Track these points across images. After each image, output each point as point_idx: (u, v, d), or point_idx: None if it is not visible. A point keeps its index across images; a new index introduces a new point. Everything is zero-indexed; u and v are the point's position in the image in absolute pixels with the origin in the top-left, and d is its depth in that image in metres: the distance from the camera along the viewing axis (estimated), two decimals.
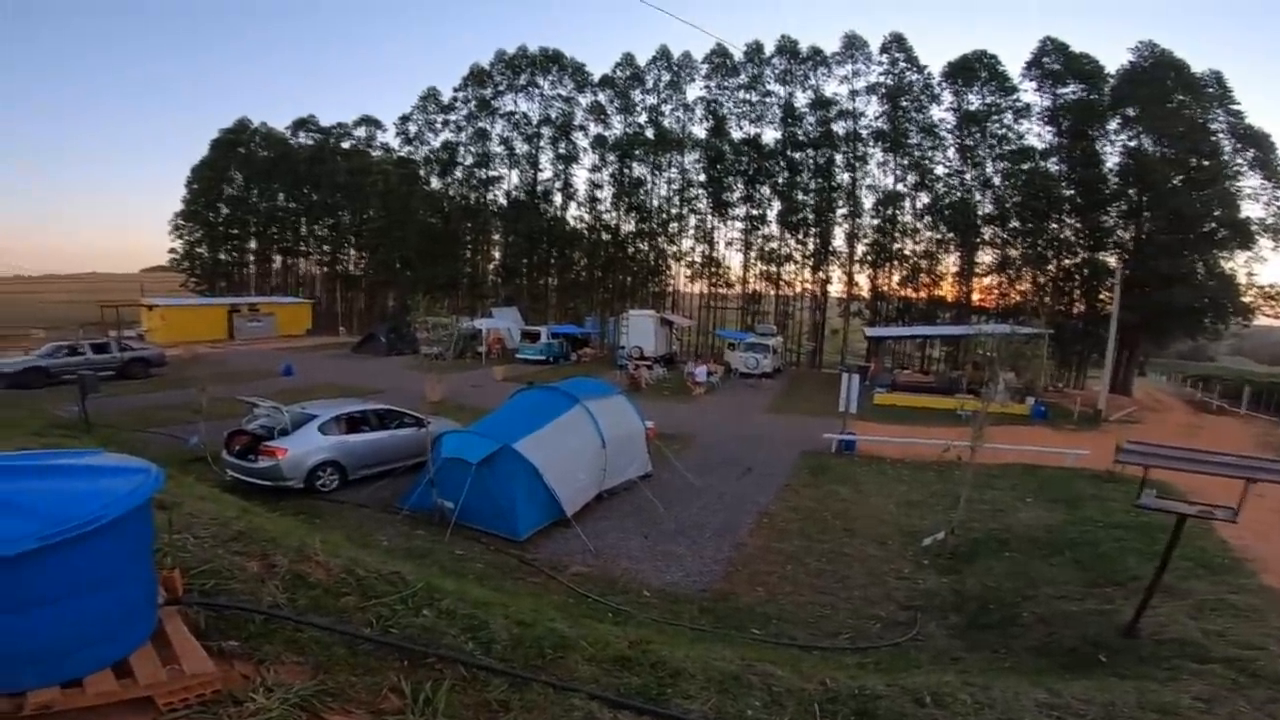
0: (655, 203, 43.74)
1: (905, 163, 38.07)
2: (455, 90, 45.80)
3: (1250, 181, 30.39)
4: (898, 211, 38.47)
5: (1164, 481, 8.76)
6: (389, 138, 49.42)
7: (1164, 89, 31.07)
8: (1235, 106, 31.49)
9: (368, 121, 50.48)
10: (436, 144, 46.59)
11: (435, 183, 46.98)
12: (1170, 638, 4.86)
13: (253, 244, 52.03)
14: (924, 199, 37.50)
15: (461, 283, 45.47)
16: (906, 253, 38.39)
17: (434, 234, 44.27)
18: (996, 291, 36.61)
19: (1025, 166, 34.50)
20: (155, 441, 11.88)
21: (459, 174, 46.11)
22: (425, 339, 32.25)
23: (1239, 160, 30.75)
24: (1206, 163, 30.19)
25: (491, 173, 45.91)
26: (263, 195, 50.06)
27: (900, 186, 38.42)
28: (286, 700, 2.05)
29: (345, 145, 50.23)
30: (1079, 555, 7.02)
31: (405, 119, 47.12)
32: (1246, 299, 30.39)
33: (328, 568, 3.66)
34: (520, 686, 2.40)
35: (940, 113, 37.30)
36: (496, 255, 48.26)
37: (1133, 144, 32.49)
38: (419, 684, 2.27)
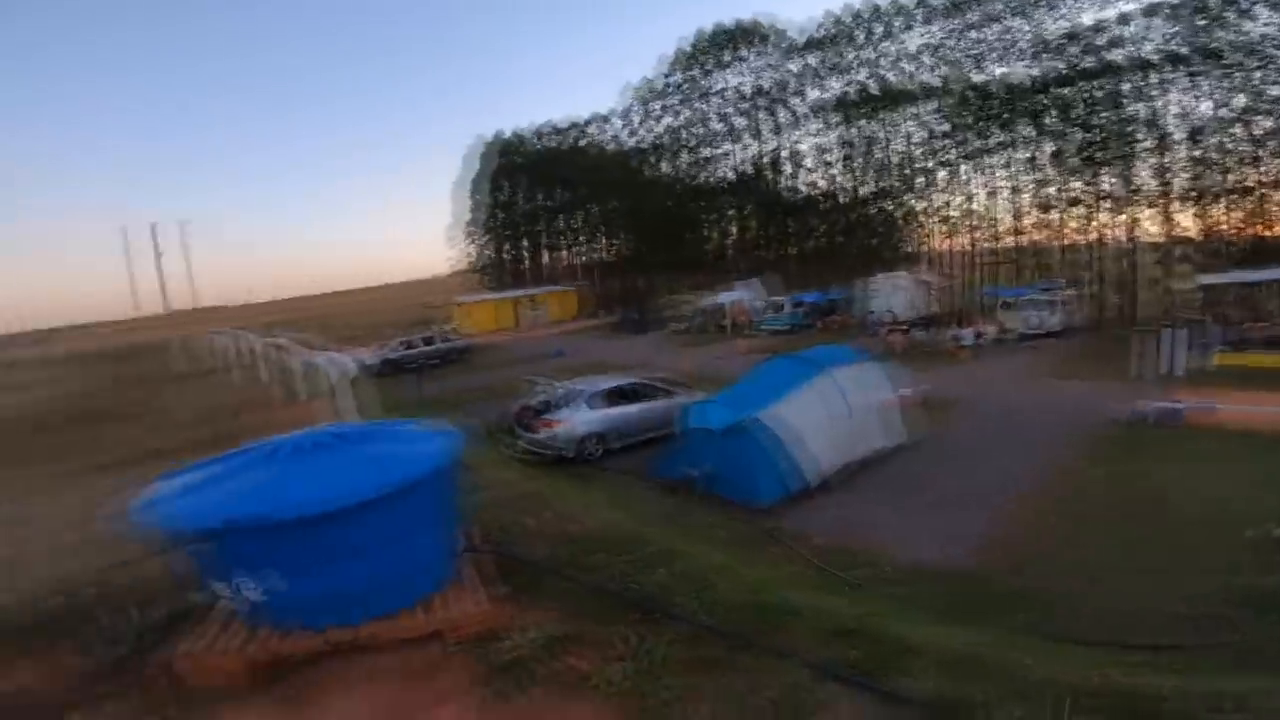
0: (894, 159, 40.14)
1: (1227, 86, 29.47)
2: (666, 76, 47.38)
3: None
4: (1226, 140, 29.88)
5: None
6: (617, 130, 52.73)
7: None
8: None
9: (597, 119, 54.77)
10: (659, 130, 48.70)
11: (665, 167, 49.10)
12: None
13: (524, 242, 59.74)
14: (1266, 124, 28.62)
15: (701, 260, 46.98)
16: (1249, 184, 29.73)
17: (669, 216, 46.31)
18: None
19: None
20: (474, 413, 14.20)
21: (685, 156, 47.62)
22: (671, 316, 34.37)
23: None
24: None
25: (715, 150, 46.55)
26: (525, 198, 57.17)
27: (1224, 112, 29.82)
28: (535, 641, 2.44)
29: (582, 143, 54.91)
30: None
31: (627, 111, 50.06)
32: None
33: (586, 527, 4.20)
34: (737, 648, 2.52)
35: (1263, 27, 28.14)
36: (733, 230, 48.90)
37: None
38: (644, 637, 2.51)
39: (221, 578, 2.29)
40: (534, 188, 56.22)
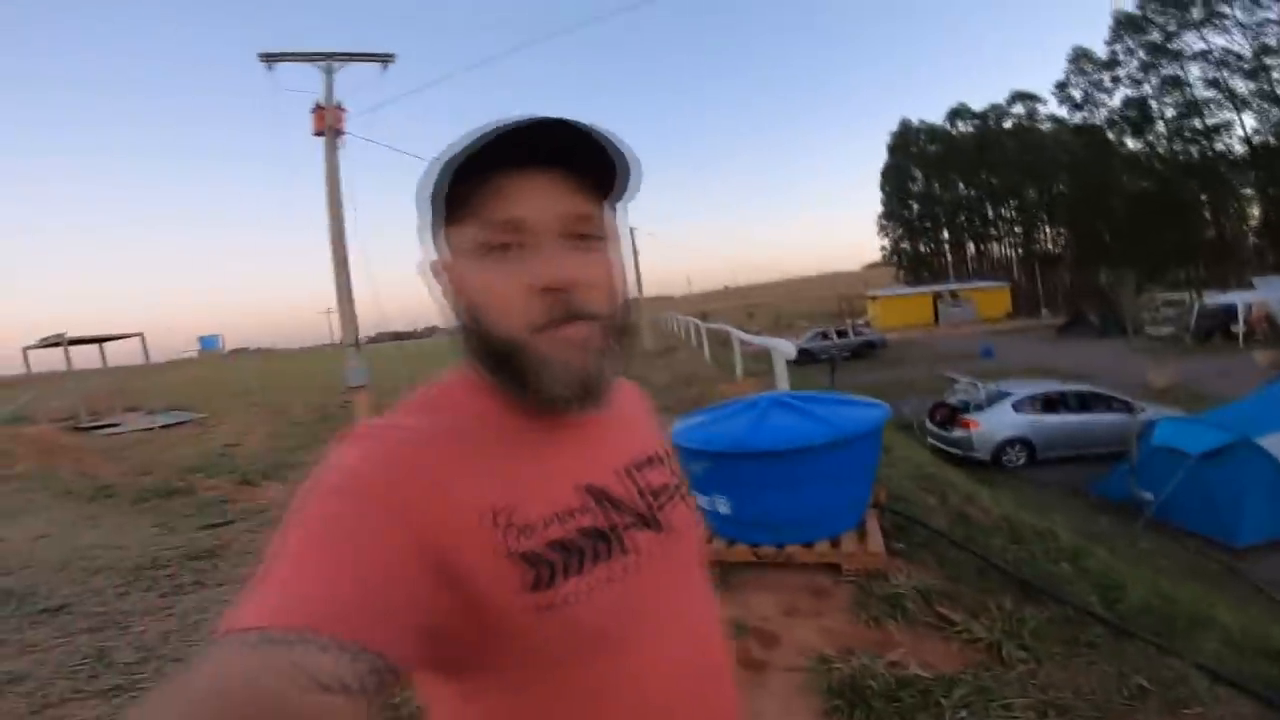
0: None
1: None
2: (1108, 43, 39.15)
3: None
4: None
5: None
6: (1053, 108, 45.15)
7: None
8: None
9: (1023, 97, 47.50)
10: (1115, 103, 39.92)
11: (1131, 144, 39.69)
12: None
13: (945, 234, 55.22)
14: None
15: (1193, 252, 36.39)
16: None
17: (1146, 200, 37.16)
18: None
19: None
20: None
21: (1161, 129, 37.97)
22: (1150, 319, 27.38)
23: None
24: None
25: (1210, 121, 36.05)
26: (943, 187, 52.57)
27: None
28: (915, 588, 2.93)
29: (1007, 125, 47.85)
30: None
31: (1063, 85, 42.32)
32: None
33: (988, 513, 4.42)
34: (1119, 637, 2.58)
35: None
36: (1255, 213, 36.30)
37: None
38: (1020, 608, 2.80)
39: (705, 493, 3.52)
40: (951, 176, 51.65)
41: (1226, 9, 34.84)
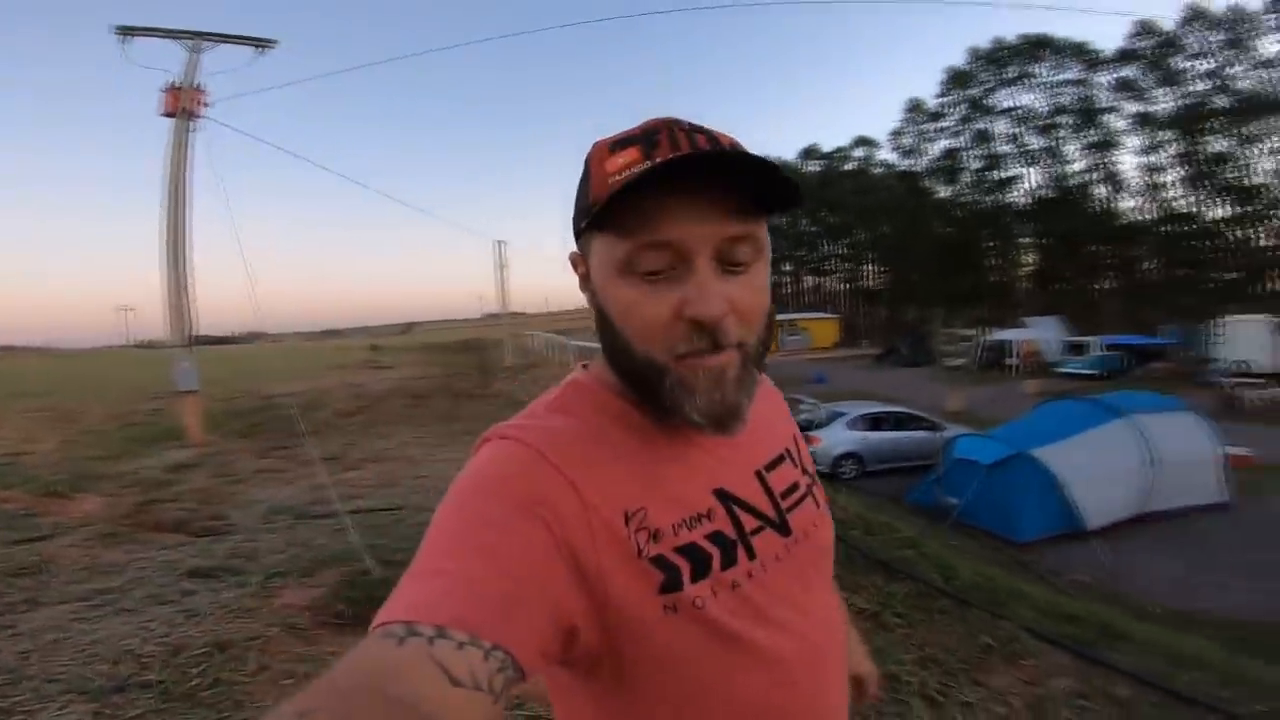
0: (1257, 179, 32.58)
1: None
2: (937, 97, 44.56)
3: None
4: None
5: None
6: (886, 154, 50.76)
7: None
8: None
9: (864, 142, 53.28)
10: (935, 153, 45.61)
11: (943, 192, 45.77)
12: None
13: (787, 266, 60.09)
14: None
15: (982, 293, 42.73)
16: None
17: (949, 244, 42.91)
18: None
19: None
20: None
21: (966, 180, 43.99)
22: (945, 351, 32.03)
23: None
24: None
25: (1005, 173, 42.35)
26: (789, 222, 57.54)
27: None
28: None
29: (848, 167, 53.62)
30: None
31: (897, 134, 47.79)
32: None
33: (846, 510, 5.09)
34: (962, 606, 3.21)
35: None
36: (1026, 261, 43.61)
37: None
38: (888, 585, 3.36)
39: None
40: (797, 212, 56.70)
41: (1035, 69, 41.02)
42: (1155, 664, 2.83)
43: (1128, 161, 38.61)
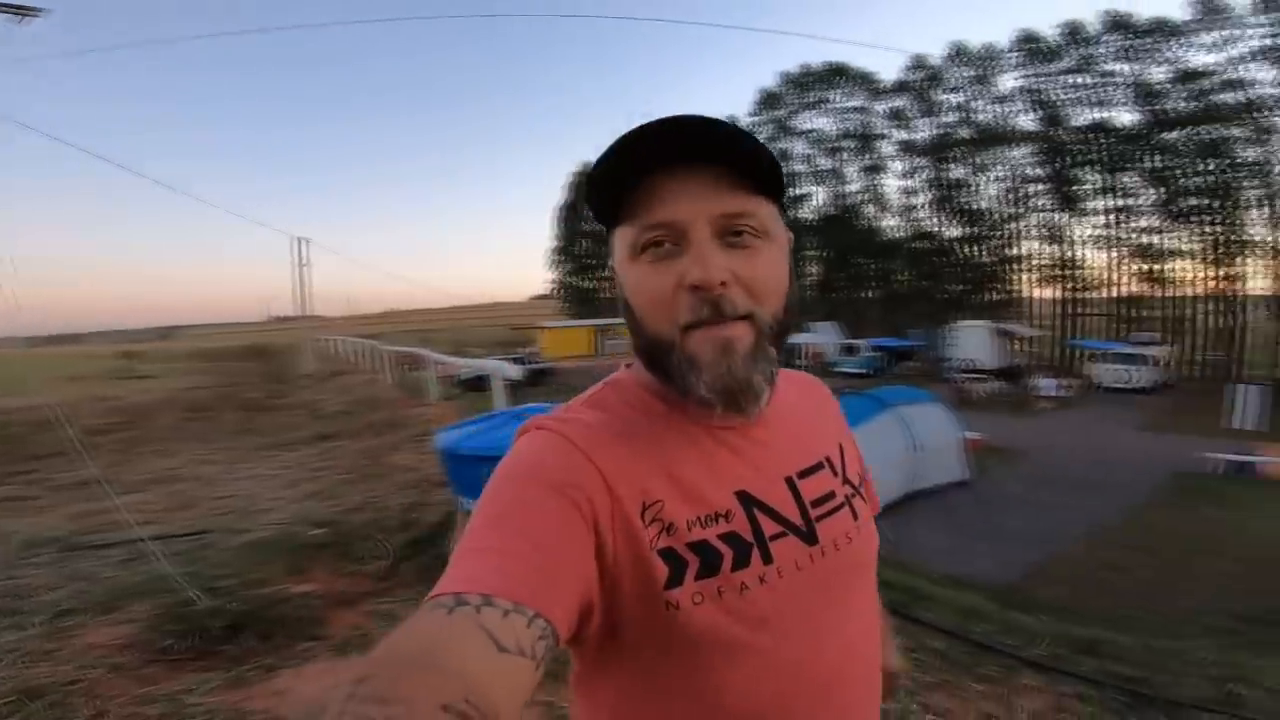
0: (984, 204, 39.81)
1: None
2: (750, 115, 48.13)
3: None
4: None
5: None
6: None
7: None
8: None
9: None
10: None
11: None
12: None
13: (606, 272, 61.26)
14: None
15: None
16: None
17: None
18: None
19: None
20: None
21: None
22: None
23: None
24: None
25: (800, 191, 46.96)
26: (607, 230, 58.96)
27: None
28: None
29: None
30: None
31: None
32: None
33: None
34: None
35: None
36: (812, 272, 49.26)
37: None
38: None
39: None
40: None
41: (831, 95, 45.57)
42: (954, 619, 3.44)
43: (891, 184, 44.76)
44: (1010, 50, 37.45)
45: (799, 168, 46.81)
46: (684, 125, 0.58)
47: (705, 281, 0.58)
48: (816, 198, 47.02)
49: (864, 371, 29.42)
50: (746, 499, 0.64)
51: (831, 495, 0.70)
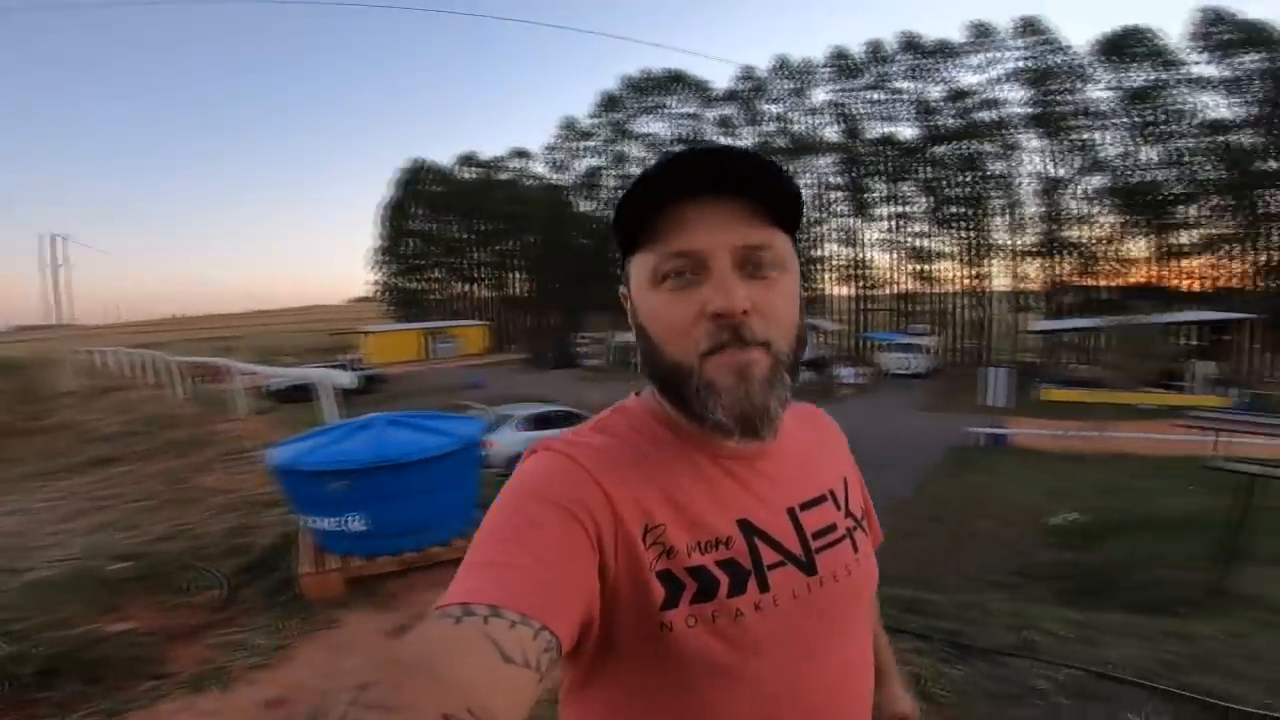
0: None
1: (1065, 147, 35.24)
2: (591, 117, 49.40)
3: None
4: (1064, 197, 35.48)
5: None
6: (539, 167, 54.12)
7: None
8: None
9: (520, 154, 55.45)
10: (580, 170, 50.48)
11: (584, 206, 50.75)
12: (1251, 595, 5.21)
13: (437, 273, 58.64)
14: (1096, 181, 34.35)
15: (616, 299, 48.59)
16: (1081, 240, 35.22)
17: (585, 255, 47.61)
18: (1204, 275, 32.56)
19: (1216, 140, 30.81)
20: None
21: (604, 196, 49.47)
22: (586, 353, 35.63)
23: None
24: None
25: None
26: (440, 228, 56.38)
27: (1063, 171, 35.54)
28: None
29: (503, 176, 55.29)
30: (1214, 535, 7.08)
31: (551, 148, 51.63)
32: None
33: None
34: None
35: (1099, 91, 34.29)
36: None
37: None
38: None
39: (336, 514, 3.34)
40: (450, 219, 55.68)
41: (668, 100, 47.46)
42: None
43: None
44: (824, 65, 41.78)
45: (634, 170, 48.45)
46: (716, 156, 0.60)
47: (728, 309, 0.59)
48: None
49: None
50: (748, 528, 0.65)
51: (833, 528, 0.71)
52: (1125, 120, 33.24)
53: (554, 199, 50.25)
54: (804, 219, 0.67)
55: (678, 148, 0.59)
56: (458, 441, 3.58)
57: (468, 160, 56.49)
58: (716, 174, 0.61)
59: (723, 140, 44.33)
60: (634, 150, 48.25)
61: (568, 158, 51.22)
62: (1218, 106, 31.58)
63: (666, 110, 47.05)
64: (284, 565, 3.35)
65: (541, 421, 12.92)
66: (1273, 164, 29.88)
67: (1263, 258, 30.91)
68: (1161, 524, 8.31)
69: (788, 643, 0.64)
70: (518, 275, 56.11)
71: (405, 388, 25.84)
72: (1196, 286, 32.77)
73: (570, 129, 50.81)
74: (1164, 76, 32.62)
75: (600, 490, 0.59)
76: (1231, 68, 31.14)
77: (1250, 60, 30.77)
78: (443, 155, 64.72)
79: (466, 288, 58.73)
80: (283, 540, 3.65)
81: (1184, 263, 33.57)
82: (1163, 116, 32.33)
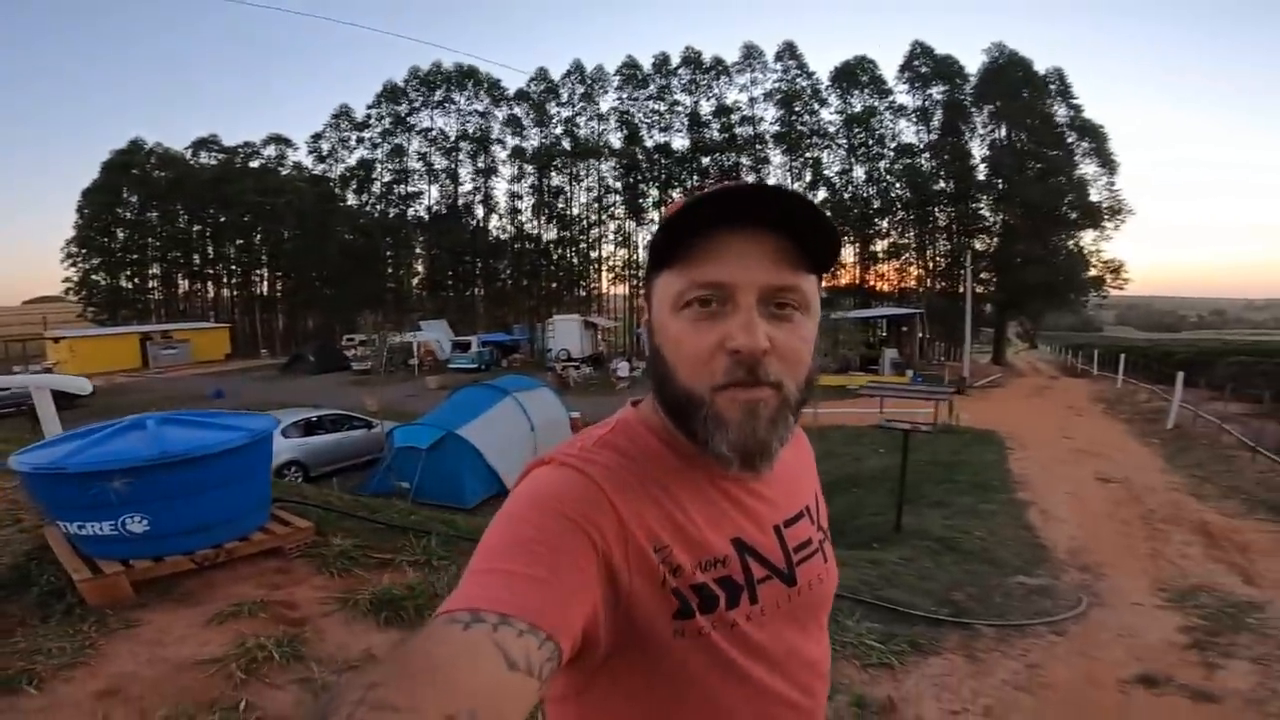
0: (576, 210, 45.75)
1: (800, 163, 41.50)
2: (369, 108, 46.26)
3: (1088, 169, 34.93)
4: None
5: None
6: (301, 156, 49.08)
7: (1015, 86, 35.39)
8: (1075, 101, 36.10)
9: (278, 140, 49.52)
10: (352, 161, 46.87)
11: (352, 200, 47.11)
12: (918, 529, 7.00)
13: (155, 269, 49.75)
14: (821, 195, 41.02)
15: (386, 298, 45.56)
16: None
17: (354, 251, 44.29)
18: (892, 278, 40.70)
19: (906, 163, 38.60)
20: None
21: (376, 190, 46.51)
22: (356, 355, 32.97)
23: (1079, 149, 35.13)
24: (1055, 153, 34.42)
25: (411, 188, 46.64)
26: (164, 218, 47.98)
27: (798, 185, 41.84)
28: (347, 548, 3.73)
29: (254, 165, 48.95)
30: (893, 486, 9.16)
31: (318, 137, 47.13)
32: (1093, 274, 34.94)
33: (343, 499, 5.36)
34: (474, 544, 4.22)
35: (829, 115, 41.29)
36: (421, 269, 48.68)
37: (994, 138, 37.08)
38: (418, 541, 4.03)
39: (112, 517, 3.09)
40: (177, 207, 47.31)
41: (457, 95, 45.25)
42: None
43: (501, 188, 47.20)
44: (615, 73, 43.83)
45: (414, 165, 46.02)
46: (763, 192, 0.61)
47: (751, 349, 0.60)
48: (429, 196, 47.00)
49: (476, 366, 30.73)
50: (741, 546, 0.68)
51: (809, 542, 0.76)
52: (845, 141, 40.12)
53: (319, 192, 45.76)
54: (837, 263, 0.82)
55: (709, 184, 0.67)
56: (249, 435, 3.51)
57: (205, 144, 48.92)
58: (760, 209, 0.62)
59: (511, 139, 44.37)
60: (414, 144, 46.18)
61: (338, 148, 47.19)
62: (907, 132, 39.66)
63: (454, 106, 45.80)
64: (42, 578, 3.04)
65: (310, 427, 12.02)
66: (943, 185, 38.10)
67: (931, 264, 39.58)
68: (865, 480, 10.55)
69: (773, 648, 0.68)
70: (268, 272, 49.82)
71: (116, 401, 21.61)
72: (887, 287, 40.93)
73: (344, 118, 46.83)
74: (875, 104, 39.77)
75: (613, 508, 0.61)
76: (923, 98, 38.91)
77: (937, 92, 38.61)
78: (174, 140, 54.86)
79: (200, 286, 50.61)
80: (35, 550, 3.28)
81: (878, 267, 41.61)
82: (872, 140, 39.48)
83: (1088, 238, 34.67)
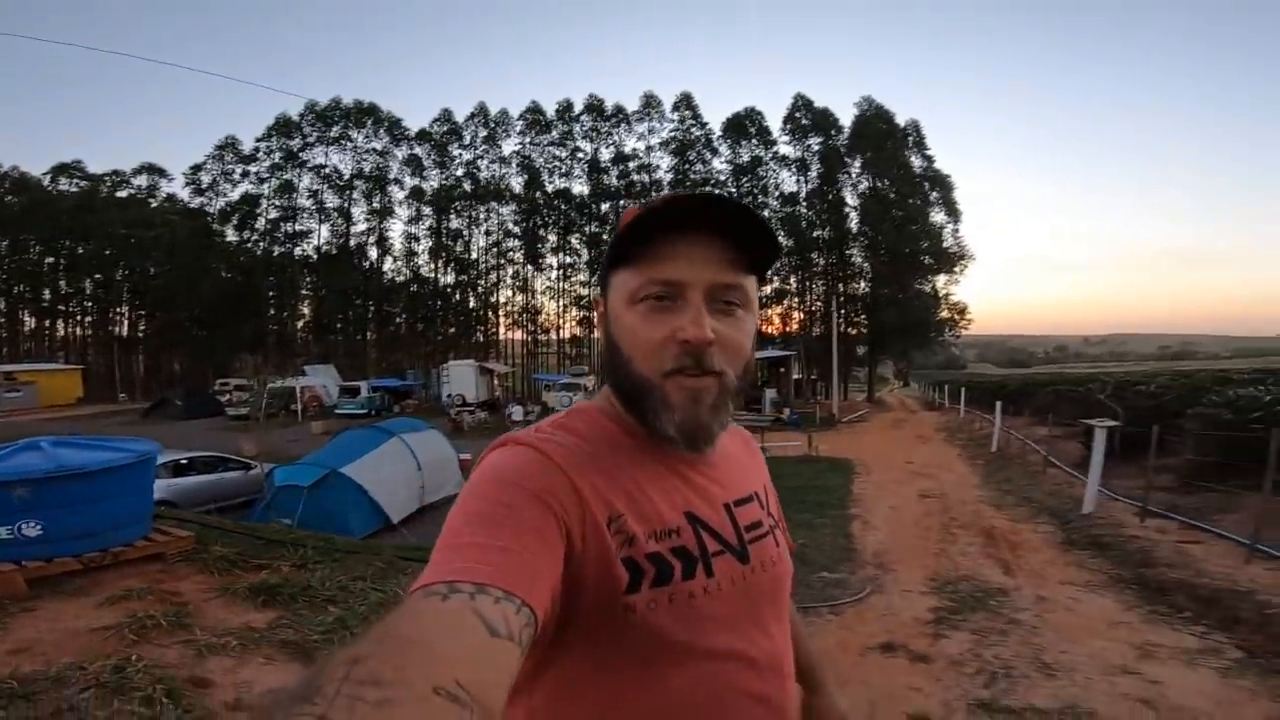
0: (474, 255, 45.49)
1: None
2: (259, 140, 44.24)
3: (937, 216, 38.85)
4: None
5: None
6: (177, 188, 46.13)
7: (880, 138, 38.79)
8: (928, 151, 40.23)
9: (150, 170, 46.31)
10: (234, 196, 44.51)
11: (233, 236, 44.63)
12: None
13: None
14: None
15: (268, 341, 43.19)
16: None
17: (232, 290, 41.77)
18: (777, 322, 43.39)
19: (788, 211, 41.15)
20: None
21: (261, 227, 44.28)
22: (231, 400, 31.00)
23: (931, 198, 38.97)
24: (913, 201, 38.00)
25: (299, 226, 44.84)
26: (14, 248, 43.45)
27: None
28: (227, 552, 4.21)
29: (121, 194, 45.49)
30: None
31: (198, 168, 44.47)
32: (944, 315, 39.04)
33: (223, 521, 5.67)
34: (349, 554, 4.75)
35: (720, 164, 43.66)
36: (306, 311, 46.55)
37: (865, 187, 40.37)
38: (295, 551, 4.55)
39: (8, 522, 3.46)
40: (27, 237, 42.90)
41: (354, 132, 43.70)
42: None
43: (397, 229, 45.98)
44: (519, 118, 44.36)
45: (304, 202, 44.14)
46: (712, 201, 0.67)
47: (698, 339, 0.66)
48: (318, 235, 45.15)
49: (365, 412, 29.82)
50: (694, 519, 0.71)
51: (760, 524, 0.79)
52: (735, 189, 42.25)
53: (194, 226, 42.83)
54: (775, 266, 0.75)
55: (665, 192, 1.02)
56: (135, 455, 3.98)
57: (65, 170, 44.92)
58: (709, 216, 0.68)
59: (410, 179, 43.50)
60: (305, 180, 44.39)
61: (219, 181, 44.50)
62: (789, 181, 42.53)
63: (352, 144, 44.63)
64: None
65: (179, 469, 11.67)
66: (820, 233, 41.06)
67: (811, 308, 42.65)
68: None
69: (730, 623, 0.70)
70: (130, 310, 45.93)
71: None
72: (774, 330, 43.70)
73: (229, 150, 44.31)
74: (761, 154, 42.52)
75: (569, 481, 0.64)
76: (803, 149, 42.07)
77: (815, 143, 41.58)
78: (33, 164, 49.82)
79: (49, 324, 45.82)
80: None
81: (763, 311, 44.10)
82: (757, 189, 42.14)
83: (940, 281, 38.67)
